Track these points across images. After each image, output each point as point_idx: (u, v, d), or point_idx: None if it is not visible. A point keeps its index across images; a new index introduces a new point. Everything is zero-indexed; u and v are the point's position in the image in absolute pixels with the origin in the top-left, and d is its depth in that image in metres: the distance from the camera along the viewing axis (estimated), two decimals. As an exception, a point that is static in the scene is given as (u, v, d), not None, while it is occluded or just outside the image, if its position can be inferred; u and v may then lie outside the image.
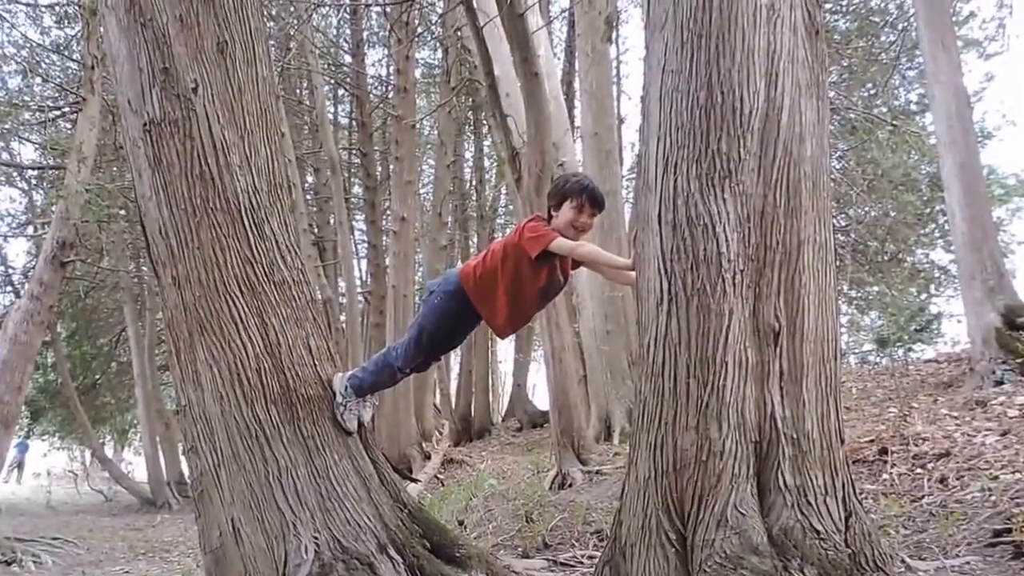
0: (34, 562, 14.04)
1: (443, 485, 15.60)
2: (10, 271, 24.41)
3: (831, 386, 4.03)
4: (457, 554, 5.47)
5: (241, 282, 5.06)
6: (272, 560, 4.90)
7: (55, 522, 20.39)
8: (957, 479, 6.47)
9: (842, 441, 4.05)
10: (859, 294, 22.54)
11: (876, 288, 21.48)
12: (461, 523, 8.43)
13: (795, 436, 3.91)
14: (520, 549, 6.85)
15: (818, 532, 3.82)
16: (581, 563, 6.32)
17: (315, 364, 5.28)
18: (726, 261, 3.88)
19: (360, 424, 5.36)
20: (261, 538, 4.94)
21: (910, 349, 15.20)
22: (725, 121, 3.97)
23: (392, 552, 5.14)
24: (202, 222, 5.03)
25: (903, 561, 4.27)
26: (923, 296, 20.18)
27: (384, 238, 22.39)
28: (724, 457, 3.81)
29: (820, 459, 3.94)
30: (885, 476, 6.97)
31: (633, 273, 4.56)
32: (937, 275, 21.66)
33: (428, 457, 18.38)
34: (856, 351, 20.59)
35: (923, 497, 6.27)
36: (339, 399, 5.22)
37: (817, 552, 3.78)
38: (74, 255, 16.14)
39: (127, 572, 12.86)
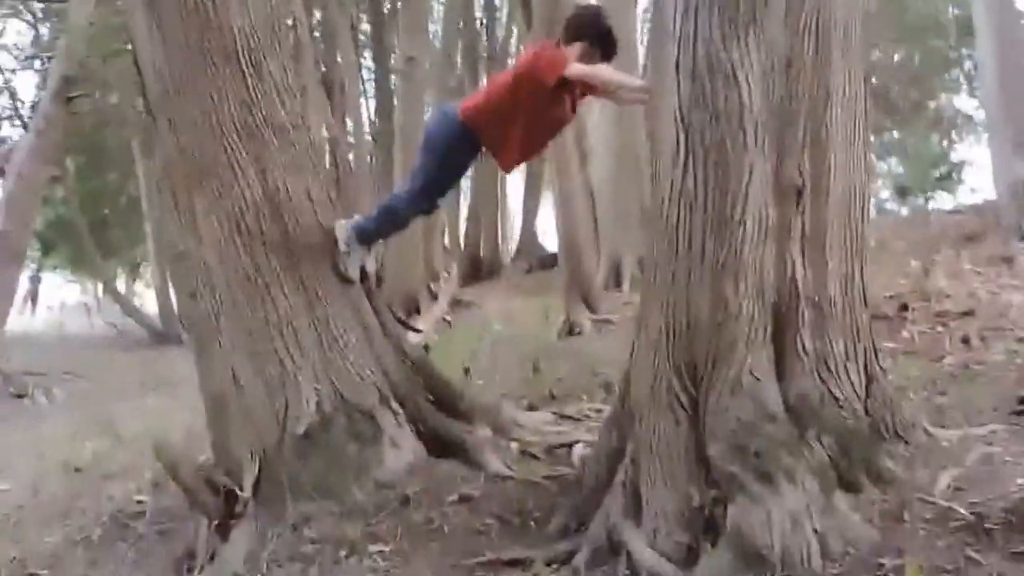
0: (45, 395, 14.16)
1: (450, 326, 15.58)
2: (18, 104, 24.08)
3: (856, 247, 3.83)
4: (461, 407, 5.43)
5: (239, 126, 4.89)
6: (272, 410, 4.85)
7: (67, 355, 20.46)
8: (980, 339, 6.34)
9: (866, 305, 3.87)
10: (879, 140, 22.15)
11: (896, 134, 21.08)
12: (467, 371, 8.33)
13: (816, 299, 3.73)
14: (526, 401, 6.75)
15: (837, 399, 3.70)
16: (588, 416, 6.23)
17: (316, 212, 5.14)
18: (748, 113, 3.59)
19: (363, 273, 5.23)
20: (261, 388, 4.89)
21: (931, 198, 14.86)
22: (751, -39, 3.66)
23: (394, 404, 5.13)
24: (198, 62, 4.84)
25: (924, 429, 4.12)
26: (945, 143, 19.73)
27: (392, 76, 21.96)
28: (740, 320, 3.62)
29: (842, 324, 3.78)
30: (905, 334, 6.84)
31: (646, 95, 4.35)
32: (960, 122, 21.22)
33: (435, 298, 18.29)
34: (874, 198, 20.30)
35: (944, 358, 6.16)
36: (342, 247, 5.09)
37: (836, 420, 3.68)
38: (79, 91, 15.91)
39: (137, 407, 12.89)
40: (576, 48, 4.74)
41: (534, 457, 5.31)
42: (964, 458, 3.81)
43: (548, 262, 22.39)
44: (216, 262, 4.89)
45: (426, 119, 21.94)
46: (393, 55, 23.39)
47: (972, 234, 10.91)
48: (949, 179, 15.36)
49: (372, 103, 25.36)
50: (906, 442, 3.91)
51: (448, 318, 16.63)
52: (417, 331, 7.31)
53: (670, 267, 3.75)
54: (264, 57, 4.99)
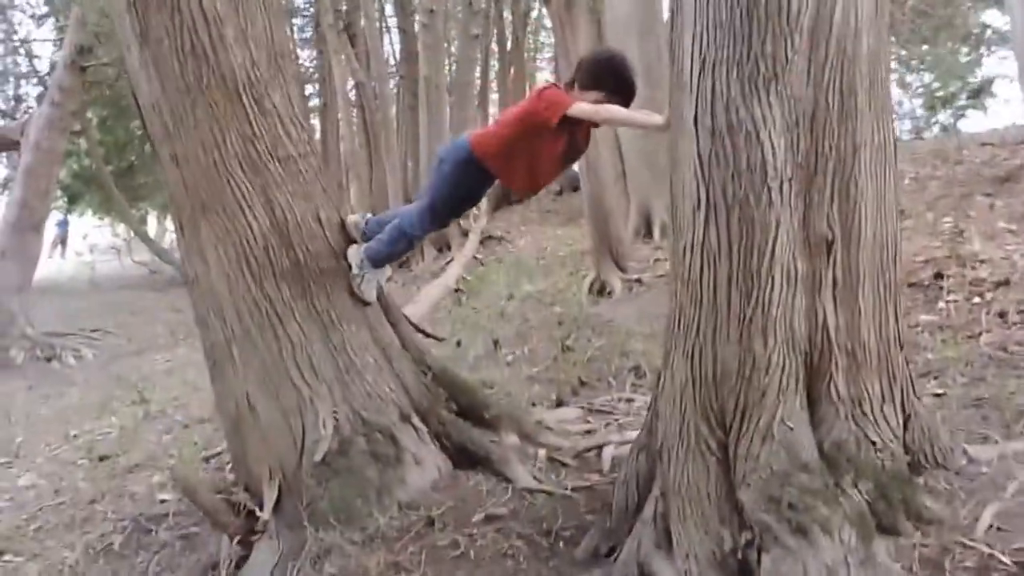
0: (74, 356, 14.20)
1: (482, 264, 15.54)
2: (35, 60, 23.97)
3: (890, 292, 3.63)
4: (486, 415, 5.37)
5: (243, 160, 4.76)
6: (290, 435, 4.79)
7: (98, 303, 20.48)
8: (1017, 313, 6.16)
9: (901, 347, 3.69)
10: (909, 53, 21.78)
11: (926, 47, 20.71)
12: (496, 343, 8.26)
13: (850, 346, 3.54)
14: (555, 394, 6.61)
15: (874, 443, 3.53)
16: (616, 408, 6.13)
17: (327, 236, 5.04)
18: (772, 169, 3.39)
19: (379, 291, 5.20)
20: (277, 413, 4.83)
21: (962, 115, 14.53)
22: (770, 20, 3.38)
23: (416, 421, 5.07)
24: (197, 100, 4.67)
25: (964, 450, 3.97)
26: (973, 55, 19.33)
27: (415, 17, 21.83)
28: (770, 372, 3.45)
29: (877, 368, 3.60)
30: (941, 305, 6.69)
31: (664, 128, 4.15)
32: (990, 36, 20.85)
33: (466, 235, 18.23)
34: (906, 116, 20.00)
35: (981, 334, 6.00)
36: (355, 271, 5.04)
37: (873, 464, 3.50)
38: (94, 60, 15.84)
39: (168, 360, 12.92)
40: (592, 96, 4.59)
41: (562, 464, 5.21)
42: (1005, 487, 3.66)
43: (578, 184, 22.24)
44: (225, 292, 4.80)
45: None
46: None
47: (1005, 175, 10.64)
48: (980, 94, 14.98)
49: (397, 49, 25.43)
50: (947, 469, 3.76)
51: (479, 256, 16.58)
52: (439, 339, 7.20)
53: (694, 317, 3.58)
54: (267, 91, 4.84)
